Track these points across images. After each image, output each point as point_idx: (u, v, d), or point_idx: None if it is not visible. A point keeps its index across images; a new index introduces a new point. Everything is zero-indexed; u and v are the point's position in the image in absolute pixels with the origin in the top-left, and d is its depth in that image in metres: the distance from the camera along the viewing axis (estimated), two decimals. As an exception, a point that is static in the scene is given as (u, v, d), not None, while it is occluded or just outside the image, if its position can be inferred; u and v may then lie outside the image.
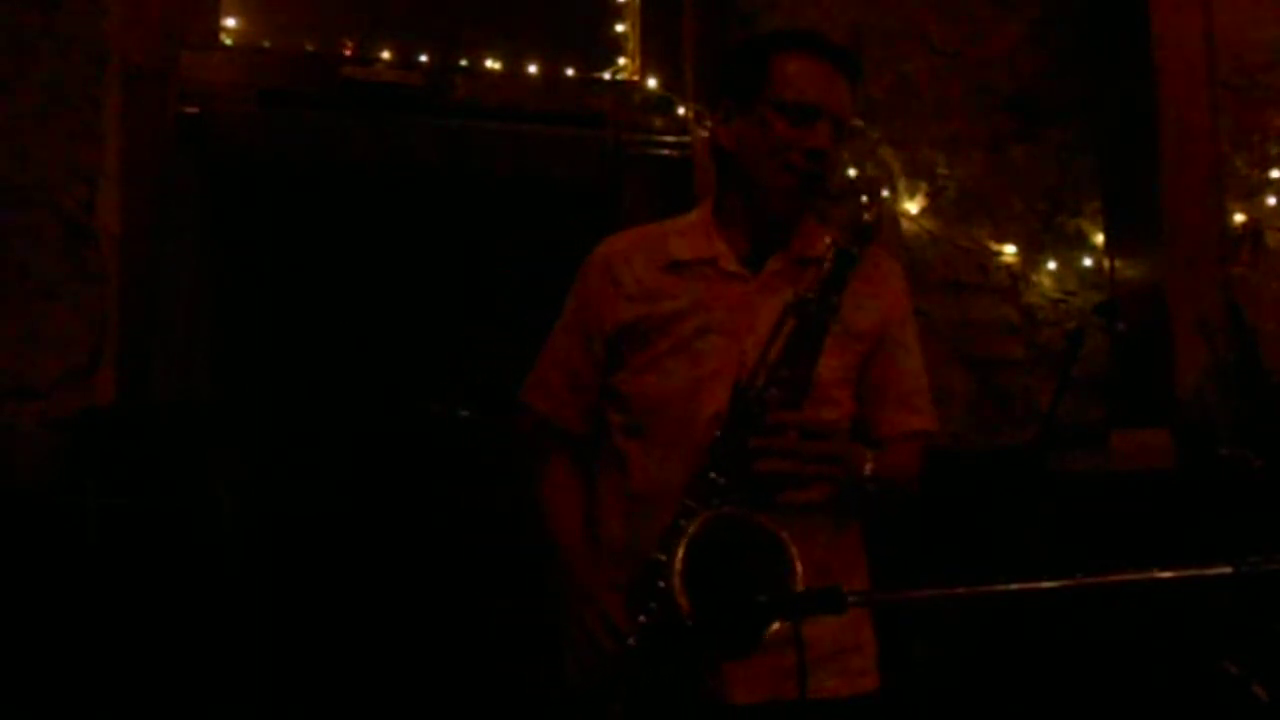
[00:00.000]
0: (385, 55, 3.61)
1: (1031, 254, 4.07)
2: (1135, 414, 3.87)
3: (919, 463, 1.94)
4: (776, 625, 1.44)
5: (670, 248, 1.89)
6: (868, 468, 1.75)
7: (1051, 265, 4.08)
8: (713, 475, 1.65)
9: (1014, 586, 1.29)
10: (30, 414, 3.02)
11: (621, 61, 3.87)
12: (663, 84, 3.80)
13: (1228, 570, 1.24)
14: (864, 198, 1.73)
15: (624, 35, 3.90)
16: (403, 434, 3.37)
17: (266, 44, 3.56)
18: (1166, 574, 1.26)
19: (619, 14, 3.91)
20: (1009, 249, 4.05)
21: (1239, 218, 4.06)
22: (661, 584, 1.58)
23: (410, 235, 3.62)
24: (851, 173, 3.94)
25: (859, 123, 1.89)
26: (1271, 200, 4.09)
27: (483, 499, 3.24)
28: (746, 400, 1.67)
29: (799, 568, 1.56)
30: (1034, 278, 4.07)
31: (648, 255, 1.90)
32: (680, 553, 1.53)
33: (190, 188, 3.39)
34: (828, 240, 1.73)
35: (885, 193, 3.41)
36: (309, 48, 3.59)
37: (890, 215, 3.97)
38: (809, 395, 1.68)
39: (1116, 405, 3.99)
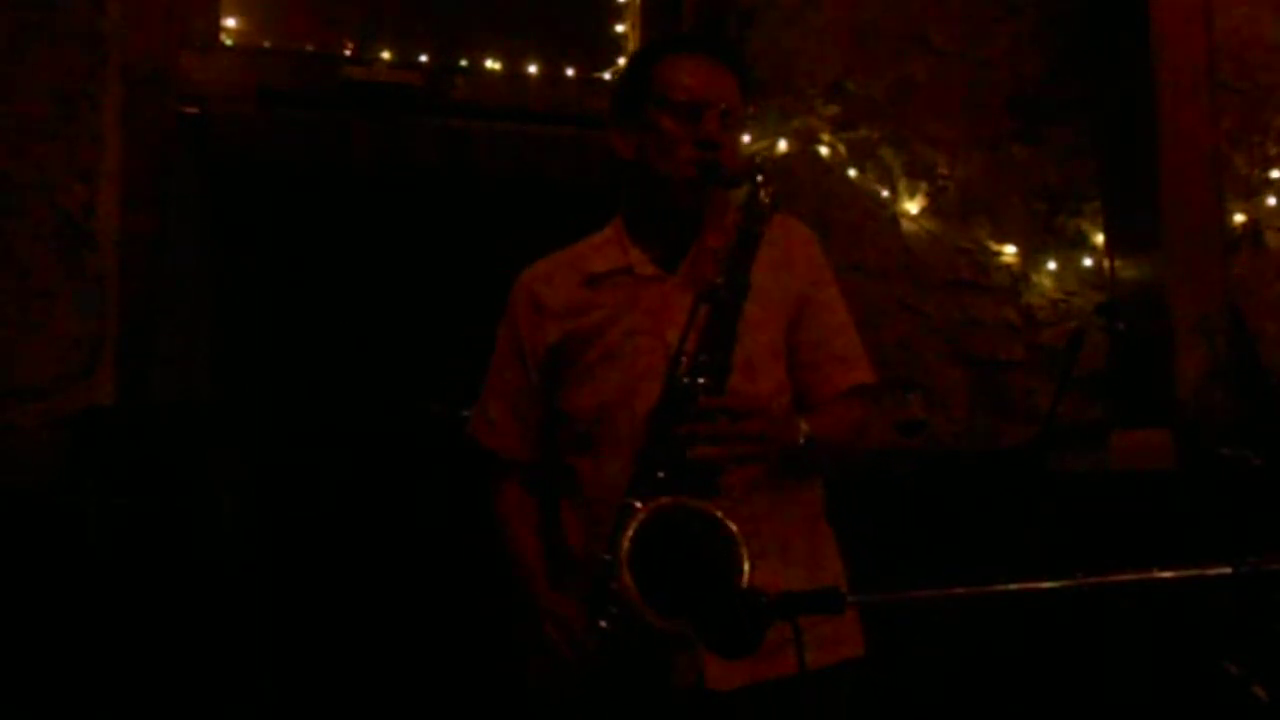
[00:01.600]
0: (385, 55, 3.61)
1: (1031, 254, 4.07)
2: (1135, 414, 3.87)
3: (862, 415, 1.94)
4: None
5: (587, 263, 1.94)
6: (801, 436, 1.75)
7: (1051, 265, 4.08)
8: (653, 470, 1.68)
9: (1014, 586, 1.29)
10: (30, 414, 3.02)
11: (621, 61, 3.87)
12: (663, 84, 3.79)
13: (1228, 570, 1.24)
14: (760, 177, 1.77)
15: (624, 35, 3.90)
16: (403, 434, 3.37)
17: (266, 44, 3.56)
18: (1166, 574, 1.25)
19: (619, 14, 3.91)
20: (1009, 249, 4.05)
21: (1239, 218, 4.06)
22: (613, 585, 1.58)
23: (410, 235, 3.62)
24: (852, 173, 3.94)
25: (750, 110, 1.94)
26: (1271, 200, 4.09)
27: (484, 499, 3.23)
28: (674, 392, 1.71)
29: (744, 551, 1.56)
30: (1034, 278, 4.07)
31: (567, 274, 1.94)
32: (626, 546, 1.53)
33: (190, 188, 3.38)
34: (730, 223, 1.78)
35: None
36: (309, 48, 3.59)
37: (890, 215, 3.98)
38: (732, 376, 1.71)
39: (1116, 405, 3.99)
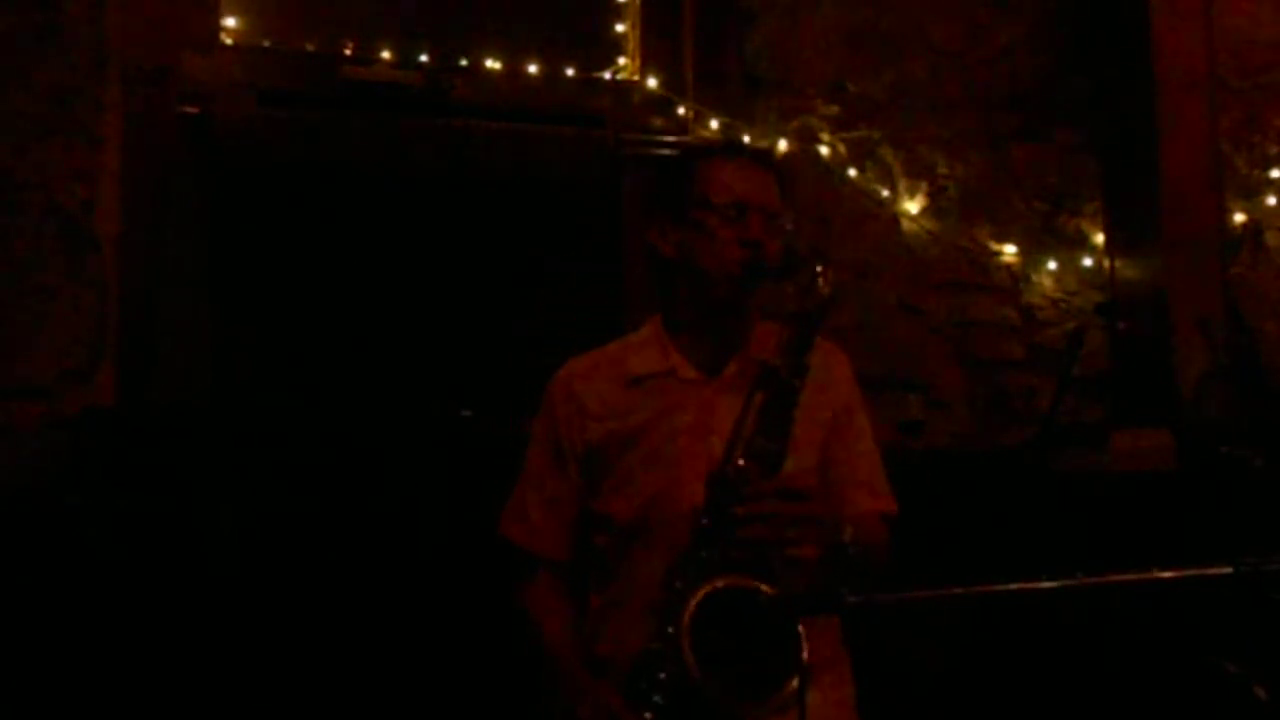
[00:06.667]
0: (385, 55, 3.61)
1: (1031, 254, 4.07)
2: (1135, 414, 3.87)
3: (885, 539, 1.95)
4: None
5: (628, 364, 1.94)
6: (846, 534, 1.75)
7: (1051, 265, 4.08)
8: (701, 554, 1.67)
9: (1014, 586, 1.29)
10: (31, 414, 3.02)
11: (621, 61, 3.87)
12: (663, 84, 3.80)
13: (1228, 570, 1.24)
14: (819, 266, 1.76)
15: (624, 35, 3.90)
16: (404, 434, 3.37)
17: (266, 44, 3.56)
18: (1166, 574, 1.26)
19: (619, 14, 3.91)
20: (1009, 249, 4.05)
21: (1239, 218, 4.06)
22: (668, 667, 1.57)
23: (410, 235, 3.61)
24: (852, 173, 3.94)
25: (789, 217, 1.96)
26: (1271, 200, 4.09)
27: (485, 499, 3.23)
28: (724, 478, 1.70)
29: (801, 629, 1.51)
30: (1034, 278, 4.07)
31: (608, 373, 1.94)
32: (686, 622, 1.51)
33: (190, 188, 3.38)
34: (789, 309, 1.78)
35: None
36: (309, 48, 3.59)
37: (890, 215, 3.98)
38: (786, 463, 1.71)
39: (1117, 405, 3.99)
